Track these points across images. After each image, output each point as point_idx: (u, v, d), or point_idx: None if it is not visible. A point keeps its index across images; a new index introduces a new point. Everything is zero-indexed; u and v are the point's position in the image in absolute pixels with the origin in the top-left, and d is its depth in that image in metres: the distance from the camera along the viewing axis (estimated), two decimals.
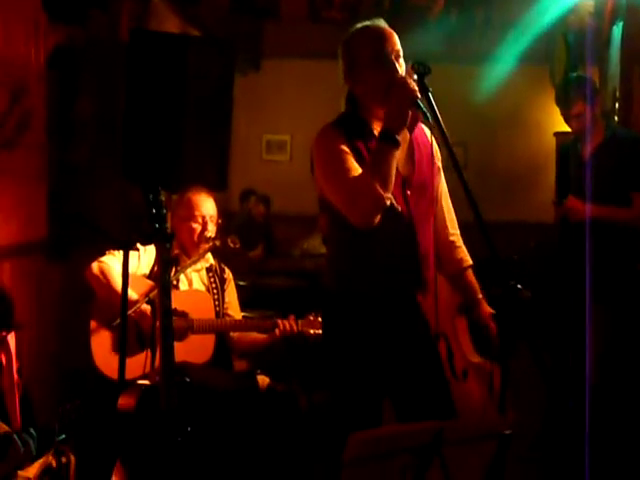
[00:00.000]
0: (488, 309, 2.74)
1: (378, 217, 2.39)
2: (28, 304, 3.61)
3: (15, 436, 2.11)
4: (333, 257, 2.65)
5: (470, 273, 2.78)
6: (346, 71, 2.59)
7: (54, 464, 2.47)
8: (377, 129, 2.52)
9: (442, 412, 2.47)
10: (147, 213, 2.48)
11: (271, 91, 7.96)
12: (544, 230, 4.54)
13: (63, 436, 2.23)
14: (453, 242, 2.74)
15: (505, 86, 7.20)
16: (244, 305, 4.22)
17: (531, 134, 7.60)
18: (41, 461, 2.47)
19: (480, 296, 2.76)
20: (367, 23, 2.57)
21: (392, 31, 2.53)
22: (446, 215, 2.73)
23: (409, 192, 2.52)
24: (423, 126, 2.65)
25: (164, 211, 2.59)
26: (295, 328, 3.18)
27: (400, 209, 2.50)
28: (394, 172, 2.40)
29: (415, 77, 2.42)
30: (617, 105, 4.95)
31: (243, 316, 3.53)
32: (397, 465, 1.72)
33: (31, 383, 3.28)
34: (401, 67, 2.49)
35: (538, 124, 7.50)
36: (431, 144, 2.63)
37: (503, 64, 6.80)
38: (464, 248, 2.78)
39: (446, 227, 2.73)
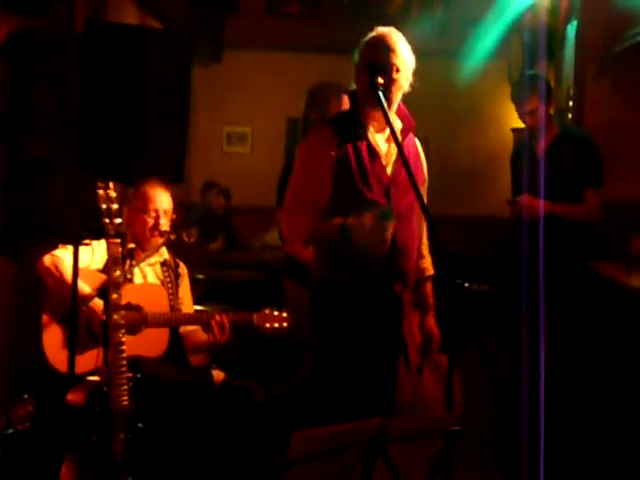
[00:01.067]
0: (433, 323, 2.96)
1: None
2: None
3: None
4: (318, 247, 2.84)
5: (429, 284, 2.98)
6: (355, 70, 2.74)
7: None
8: (370, 129, 2.71)
9: (382, 407, 2.65)
10: (97, 208, 2.47)
11: (232, 83, 7.92)
12: (504, 225, 4.58)
13: (11, 431, 2.20)
14: (422, 251, 2.93)
15: (465, 82, 7.25)
16: (203, 299, 4.21)
17: (490, 130, 7.66)
18: None
19: (430, 306, 2.97)
20: (377, 30, 2.71)
21: (396, 40, 2.67)
22: (422, 225, 2.90)
23: (393, 190, 2.69)
24: (417, 140, 2.87)
25: (115, 206, 2.59)
26: (226, 326, 3.14)
27: (383, 204, 2.64)
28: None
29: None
30: (571, 103, 5.02)
31: (196, 310, 3.52)
32: (343, 462, 1.73)
33: None
34: (386, 76, 2.61)
35: (497, 120, 7.56)
36: (418, 155, 2.85)
37: (463, 60, 6.84)
38: (429, 258, 2.96)
39: (421, 236, 2.91)
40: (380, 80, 2.55)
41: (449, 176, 7.65)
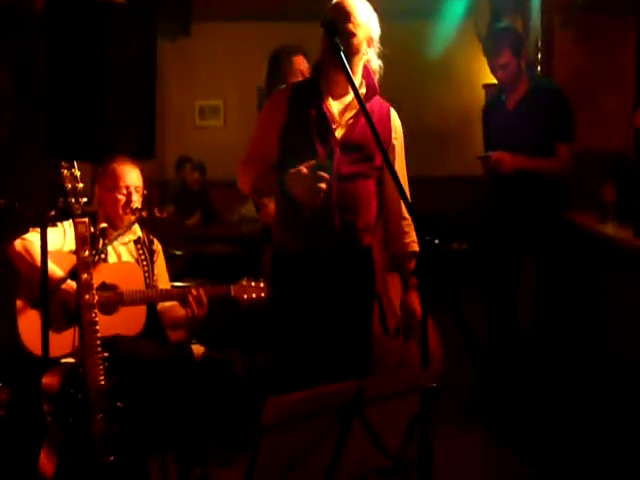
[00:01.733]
0: (413, 301, 2.90)
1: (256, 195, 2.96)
2: None
3: None
4: (274, 220, 2.93)
5: (412, 260, 2.92)
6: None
7: None
8: (327, 95, 2.75)
9: (357, 371, 2.65)
10: (62, 188, 2.43)
11: (202, 56, 7.84)
12: (478, 183, 4.58)
13: None
14: (403, 226, 2.90)
15: (432, 41, 7.21)
16: (181, 274, 4.19)
17: (461, 88, 7.63)
18: None
19: (412, 285, 2.91)
20: None
21: (350, 8, 2.65)
22: (401, 200, 2.81)
23: (338, 151, 2.69)
24: (391, 109, 2.85)
25: (80, 185, 2.55)
26: (203, 300, 3.14)
27: (325, 165, 2.61)
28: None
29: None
30: (539, 55, 5.00)
31: (173, 286, 3.50)
32: (318, 427, 1.73)
33: None
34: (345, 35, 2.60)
35: (468, 77, 7.53)
36: (388, 121, 2.81)
37: (429, 19, 6.80)
38: (413, 234, 2.91)
39: (400, 211, 2.87)
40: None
41: (423, 137, 7.61)
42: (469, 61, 7.38)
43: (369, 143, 2.67)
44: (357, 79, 2.73)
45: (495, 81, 4.18)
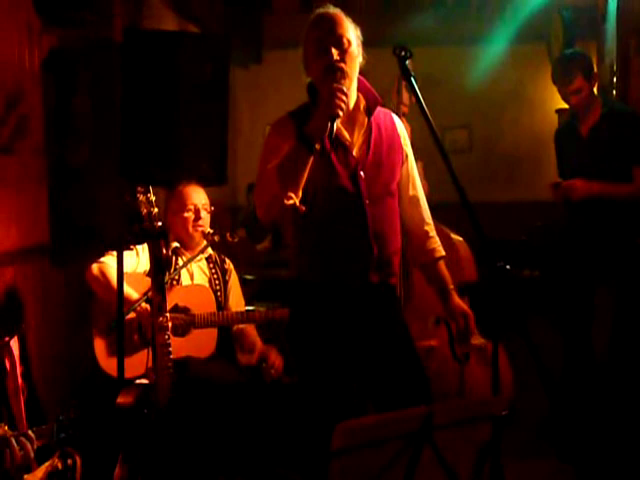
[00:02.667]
0: (458, 302, 2.74)
1: (276, 213, 2.42)
2: (33, 308, 3.64)
3: (13, 439, 2.13)
4: (291, 247, 2.68)
5: (442, 264, 2.78)
6: (303, 61, 2.61)
7: (60, 466, 2.49)
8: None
9: (417, 395, 2.50)
10: (137, 212, 2.50)
11: (273, 82, 7.94)
12: (551, 209, 4.50)
13: (62, 435, 2.25)
14: (427, 232, 2.76)
15: (505, 66, 7.17)
16: (253, 298, 4.23)
17: (534, 113, 7.55)
18: (47, 464, 2.50)
19: (450, 287, 2.76)
20: (315, 11, 2.58)
21: (335, 15, 2.52)
22: (421, 205, 2.75)
23: (362, 173, 2.54)
24: (393, 116, 2.70)
25: (155, 210, 2.62)
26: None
27: (350, 190, 2.52)
28: (303, 174, 2.36)
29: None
30: (615, 80, 4.91)
31: (247, 310, 3.53)
32: (388, 453, 1.72)
33: (40, 385, 3.32)
34: (337, 52, 2.46)
35: (540, 102, 7.45)
36: (394, 129, 2.66)
37: (502, 44, 6.75)
38: (437, 239, 2.79)
39: (421, 217, 2.75)
40: (336, 57, 2.44)
41: (494, 162, 7.57)
42: (542, 85, 7.29)
43: (386, 158, 2.58)
44: (354, 93, 2.58)
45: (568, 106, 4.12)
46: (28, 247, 3.65)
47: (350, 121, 2.57)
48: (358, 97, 2.60)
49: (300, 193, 2.38)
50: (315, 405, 2.54)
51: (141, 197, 2.64)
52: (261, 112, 7.97)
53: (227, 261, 3.54)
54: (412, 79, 2.41)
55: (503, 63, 7.12)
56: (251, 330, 3.43)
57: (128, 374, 2.90)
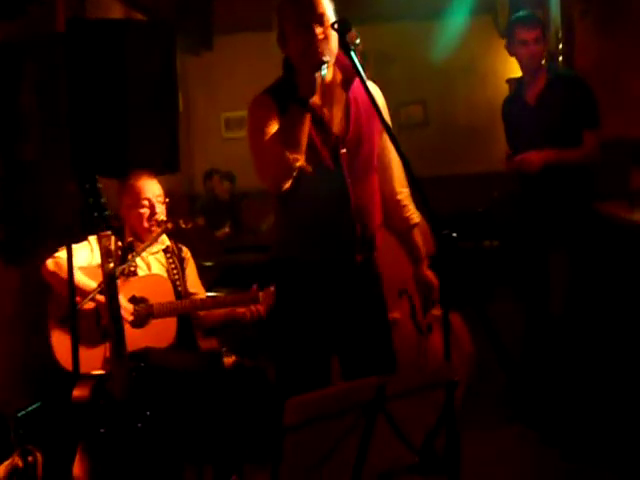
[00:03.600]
0: (426, 272, 2.79)
1: (288, 180, 2.42)
2: None
3: None
4: (275, 225, 2.71)
5: (415, 232, 2.81)
6: (279, 37, 2.60)
7: (20, 464, 2.47)
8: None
9: (385, 367, 2.54)
10: (85, 203, 2.47)
11: (226, 68, 7.90)
12: (508, 179, 4.54)
13: (21, 431, 2.23)
14: (400, 200, 2.75)
15: (456, 40, 7.19)
16: (214, 284, 4.21)
17: (486, 85, 7.58)
18: (7, 462, 2.47)
19: (421, 256, 2.80)
20: None
21: None
22: (394, 173, 2.73)
23: (343, 150, 2.54)
24: (371, 84, 2.62)
25: (103, 199, 2.59)
26: (262, 312, 3.18)
27: (332, 168, 2.52)
28: (303, 135, 2.40)
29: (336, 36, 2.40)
30: (560, 46, 4.94)
31: (208, 296, 3.52)
32: (342, 426, 1.73)
33: None
34: (320, 30, 2.46)
35: (492, 74, 7.49)
36: (372, 100, 2.53)
37: (452, 18, 6.78)
38: (412, 206, 2.79)
39: (393, 185, 2.74)
40: (319, 35, 2.44)
41: (451, 136, 7.59)
42: (492, 57, 7.35)
43: (365, 133, 2.57)
44: (331, 70, 2.56)
45: (518, 75, 4.13)
46: None
47: (328, 97, 2.56)
48: (335, 71, 2.59)
49: (304, 155, 2.40)
50: (293, 380, 2.57)
51: (87, 187, 2.60)
52: (215, 97, 7.93)
53: (184, 249, 3.52)
54: (352, 53, 2.39)
55: (454, 37, 7.14)
56: (211, 313, 3.41)
57: (87, 368, 2.88)
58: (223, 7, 7.42)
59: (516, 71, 4.36)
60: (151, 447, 2.53)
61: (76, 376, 2.59)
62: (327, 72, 2.44)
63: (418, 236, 2.81)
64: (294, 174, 2.41)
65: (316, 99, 2.45)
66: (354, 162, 2.56)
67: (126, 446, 2.44)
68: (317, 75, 2.38)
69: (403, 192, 2.77)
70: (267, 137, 2.44)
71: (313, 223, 2.54)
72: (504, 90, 6.82)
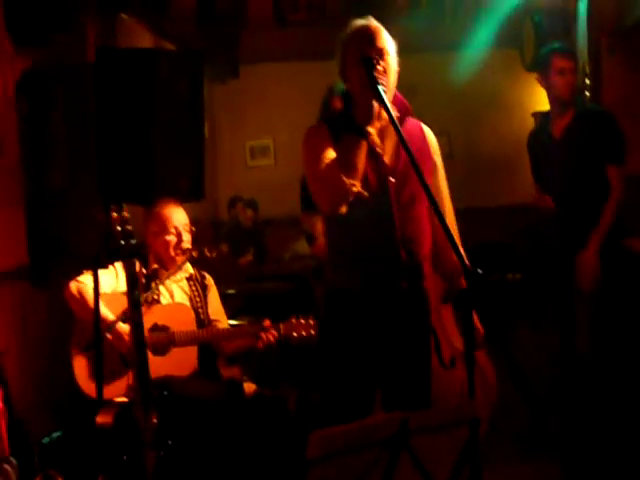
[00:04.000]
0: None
1: (345, 204, 2.50)
2: (13, 331, 3.61)
3: None
4: (326, 254, 2.80)
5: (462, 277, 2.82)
6: (340, 69, 2.69)
7: None
8: (367, 125, 2.57)
9: (419, 403, 2.55)
10: (111, 230, 2.49)
11: (251, 96, 7.97)
12: (532, 212, 4.52)
13: (45, 458, 2.23)
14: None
15: (481, 71, 7.21)
16: (236, 312, 4.23)
17: (512, 117, 7.58)
18: None
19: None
20: (356, 22, 2.65)
21: (378, 28, 2.62)
22: (446, 216, 2.75)
23: (392, 179, 2.62)
24: (423, 125, 2.77)
25: (129, 227, 2.61)
26: (275, 337, 3.18)
27: (380, 197, 2.59)
28: (360, 161, 2.50)
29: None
30: (587, 81, 4.94)
31: (230, 324, 3.53)
32: (365, 460, 1.71)
33: (22, 407, 3.29)
34: (382, 64, 2.53)
35: (517, 106, 7.49)
36: (424, 139, 2.74)
37: (477, 49, 6.80)
38: (461, 250, 2.81)
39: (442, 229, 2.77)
40: (379, 68, 2.51)
41: (475, 168, 7.59)
42: (518, 90, 7.36)
43: (410, 168, 2.55)
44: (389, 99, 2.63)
45: (544, 109, 4.13)
46: (7, 269, 3.63)
47: (383, 131, 2.64)
48: (392, 109, 2.63)
49: (360, 182, 2.50)
50: (336, 410, 2.64)
51: (115, 215, 2.63)
52: (240, 125, 7.99)
53: (207, 277, 3.53)
54: (379, 88, 2.42)
55: (479, 69, 7.17)
56: (233, 341, 3.41)
57: (109, 395, 2.89)
58: (250, 37, 7.51)
59: (541, 105, 4.37)
60: (172, 475, 2.53)
61: (100, 403, 2.59)
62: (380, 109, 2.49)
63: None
64: (350, 199, 2.50)
65: (371, 129, 2.55)
66: (402, 192, 2.63)
67: (146, 474, 2.44)
68: (375, 105, 2.48)
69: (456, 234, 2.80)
70: (324, 163, 2.54)
71: (359, 250, 2.62)
72: (529, 123, 6.82)
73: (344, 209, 2.51)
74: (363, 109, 2.53)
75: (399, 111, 2.66)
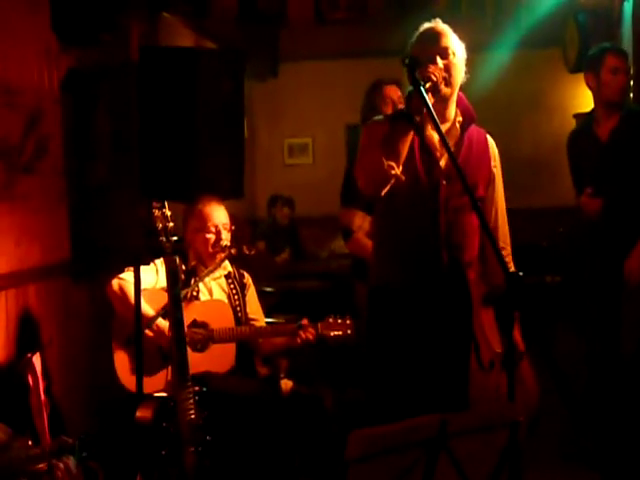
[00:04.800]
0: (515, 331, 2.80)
1: (383, 186, 2.56)
2: (55, 324, 3.68)
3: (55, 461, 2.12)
4: (362, 250, 2.95)
5: None
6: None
7: None
8: (428, 127, 2.67)
9: (457, 404, 2.60)
10: (154, 228, 2.52)
11: (290, 95, 7.97)
12: (572, 214, 4.47)
13: (85, 454, 2.27)
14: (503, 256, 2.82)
15: (522, 72, 7.15)
16: (272, 310, 4.25)
17: (552, 118, 7.49)
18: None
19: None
20: (424, 25, 2.74)
21: (443, 29, 2.69)
22: (499, 228, 2.85)
23: (443, 182, 2.65)
24: (488, 136, 2.81)
25: (170, 224, 2.64)
26: (314, 335, 3.19)
27: (429, 198, 2.64)
28: (402, 146, 2.55)
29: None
30: (632, 83, 4.86)
31: (267, 322, 3.56)
32: (403, 462, 1.72)
33: (62, 401, 3.35)
34: (443, 62, 2.60)
35: (558, 108, 7.39)
36: (486, 149, 2.77)
37: (518, 50, 6.74)
38: (511, 265, 2.85)
39: (497, 241, 2.80)
40: (432, 68, 2.55)
41: (515, 170, 7.49)
42: (559, 91, 7.27)
43: (470, 176, 2.61)
44: (453, 108, 2.72)
45: (586, 110, 4.08)
46: (50, 265, 3.70)
47: (445, 133, 2.65)
48: (456, 112, 2.73)
49: (401, 167, 2.54)
50: (384, 407, 2.68)
51: (156, 212, 2.66)
52: (278, 124, 8.01)
53: (246, 275, 3.56)
54: (422, 88, 2.42)
55: (520, 69, 7.10)
56: (270, 340, 3.43)
57: (148, 389, 2.92)
58: (289, 36, 7.54)
59: (582, 106, 4.31)
60: (210, 471, 2.56)
61: (140, 397, 2.63)
62: (429, 95, 2.52)
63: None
64: (390, 181, 2.54)
65: (428, 129, 2.64)
66: (452, 196, 2.65)
67: (184, 469, 2.48)
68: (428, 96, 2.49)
69: (506, 248, 2.86)
70: (371, 147, 2.61)
71: (402, 247, 2.68)
72: (570, 125, 6.72)
73: (382, 191, 2.57)
74: (415, 99, 2.54)
75: (463, 117, 2.73)
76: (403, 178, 2.56)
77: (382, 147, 2.55)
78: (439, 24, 2.71)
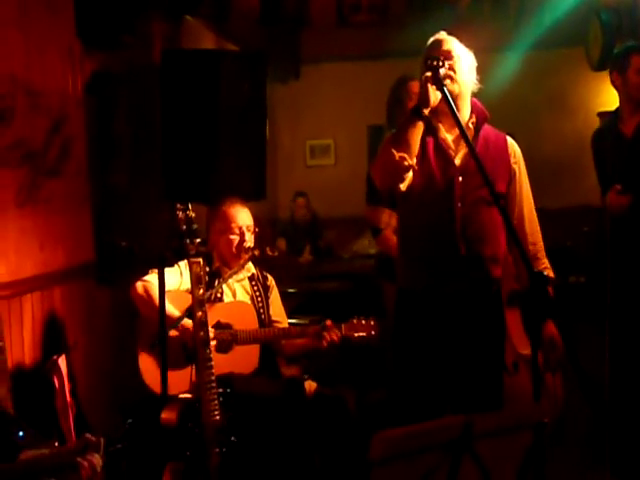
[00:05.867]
0: (550, 329, 2.79)
1: (398, 180, 2.67)
2: (80, 327, 3.70)
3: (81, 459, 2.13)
4: (392, 247, 3.07)
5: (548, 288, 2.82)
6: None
7: None
8: (442, 128, 2.80)
9: (490, 404, 2.65)
10: (178, 230, 2.54)
11: (312, 96, 7.97)
12: (597, 214, 4.44)
13: (110, 449, 2.28)
14: (533, 253, 2.86)
15: (544, 71, 7.10)
16: (295, 311, 4.26)
17: (575, 117, 7.43)
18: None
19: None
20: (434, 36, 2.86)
21: (446, 37, 2.82)
22: (526, 225, 2.88)
23: (460, 178, 2.73)
24: (508, 137, 2.90)
25: (194, 226, 2.65)
26: (338, 337, 3.19)
27: (444, 194, 2.72)
28: (412, 138, 2.65)
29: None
30: None
31: (290, 323, 3.56)
32: (428, 463, 1.71)
33: (87, 402, 3.37)
34: (448, 64, 2.68)
35: (581, 107, 7.34)
36: (504, 147, 2.85)
37: (540, 49, 6.70)
38: (545, 260, 2.89)
39: (526, 237, 2.85)
40: (443, 70, 2.62)
41: (538, 169, 7.41)
42: (582, 90, 7.22)
43: (489, 169, 2.62)
44: (467, 110, 2.81)
45: (610, 109, 4.05)
46: (75, 266, 3.72)
47: (456, 132, 2.77)
48: (470, 115, 2.83)
49: (414, 160, 2.65)
50: (410, 408, 2.75)
51: (180, 214, 2.67)
52: (300, 125, 8.02)
53: (269, 277, 3.56)
54: (444, 89, 2.44)
55: (542, 69, 7.07)
56: (294, 341, 3.43)
57: (173, 390, 2.93)
58: (311, 38, 7.55)
59: (606, 105, 4.27)
60: (234, 472, 2.56)
61: (165, 399, 2.64)
62: (433, 93, 2.62)
63: (551, 291, 2.81)
64: (405, 172, 2.64)
65: (442, 130, 2.76)
66: (468, 190, 2.73)
67: (210, 470, 2.48)
68: (430, 90, 2.60)
69: (535, 245, 2.88)
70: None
71: (423, 244, 2.75)
72: (594, 123, 6.68)
73: (400, 186, 2.67)
74: (422, 93, 2.66)
75: (477, 117, 2.82)
76: (416, 167, 2.66)
77: (393, 141, 2.65)
78: (443, 34, 2.84)
